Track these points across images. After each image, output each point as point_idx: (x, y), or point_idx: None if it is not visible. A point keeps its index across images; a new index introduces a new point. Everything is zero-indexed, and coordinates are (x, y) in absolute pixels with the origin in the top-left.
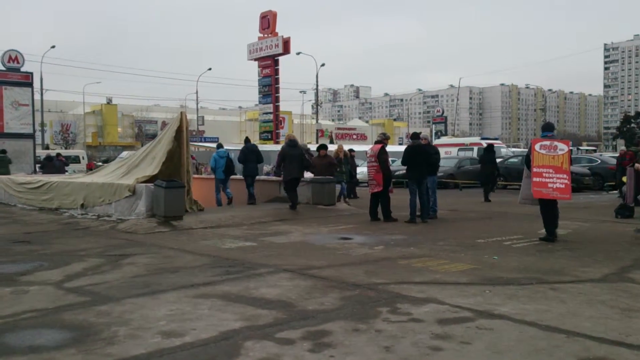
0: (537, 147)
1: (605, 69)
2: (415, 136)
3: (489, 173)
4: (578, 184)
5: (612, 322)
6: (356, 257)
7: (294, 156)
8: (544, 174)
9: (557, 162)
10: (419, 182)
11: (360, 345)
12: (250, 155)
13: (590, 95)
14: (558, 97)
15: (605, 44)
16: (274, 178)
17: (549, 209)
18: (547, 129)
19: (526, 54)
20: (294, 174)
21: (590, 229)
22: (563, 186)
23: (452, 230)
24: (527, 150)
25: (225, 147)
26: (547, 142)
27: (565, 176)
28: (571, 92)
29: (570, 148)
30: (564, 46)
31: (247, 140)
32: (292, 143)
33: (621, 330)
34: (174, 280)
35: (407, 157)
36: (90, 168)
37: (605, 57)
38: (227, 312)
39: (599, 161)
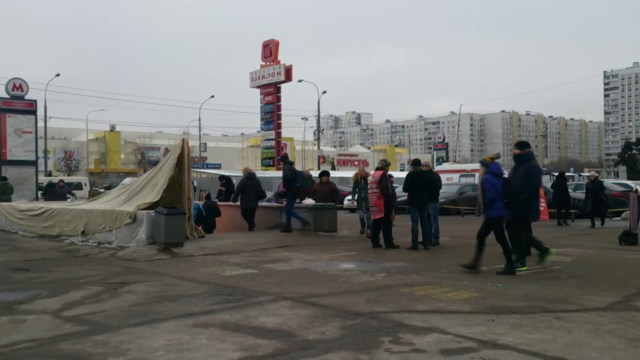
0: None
1: (605, 96)
2: (416, 163)
3: (559, 198)
4: (581, 210)
5: (619, 352)
6: (358, 285)
7: (251, 187)
8: None
9: None
10: (421, 209)
11: None
12: (210, 211)
13: (590, 122)
14: (559, 123)
15: (604, 72)
16: (275, 205)
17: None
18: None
19: (526, 81)
20: (252, 203)
21: (594, 256)
22: (542, 209)
23: (454, 257)
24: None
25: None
26: None
27: (542, 200)
28: (572, 119)
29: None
30: (564, 73)
31: (208, 196)
32: (250, 176)
33: None
34: (172, 308)
35: (409, 184)
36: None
37: (605, 84)
38: (226, 342)
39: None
